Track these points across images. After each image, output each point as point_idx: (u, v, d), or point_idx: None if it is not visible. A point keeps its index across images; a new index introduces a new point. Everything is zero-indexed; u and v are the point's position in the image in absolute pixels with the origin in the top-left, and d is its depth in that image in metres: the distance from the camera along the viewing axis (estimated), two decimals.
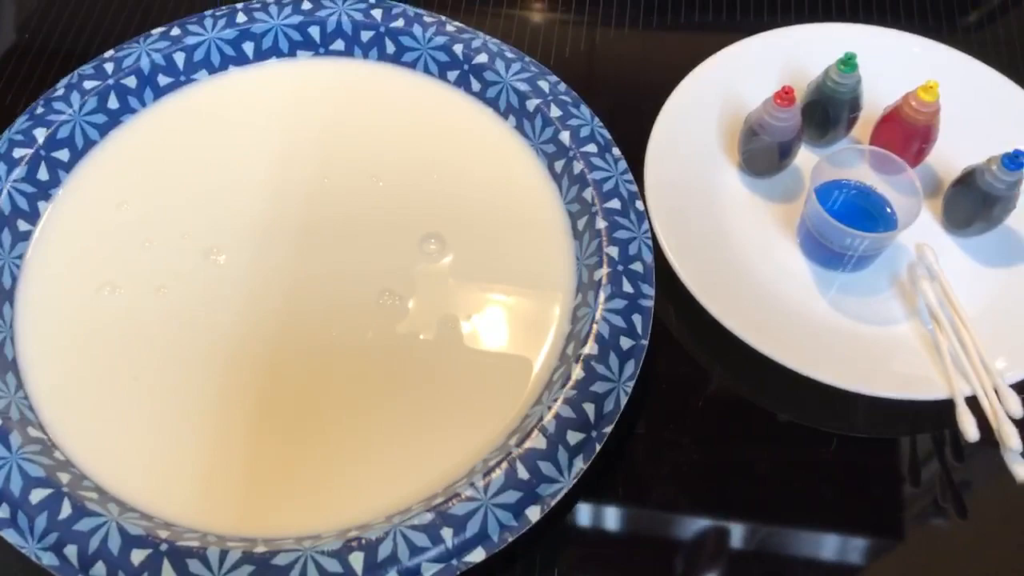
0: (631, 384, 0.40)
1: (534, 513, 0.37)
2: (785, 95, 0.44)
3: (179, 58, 0.49)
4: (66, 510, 0.36)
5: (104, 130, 0.48)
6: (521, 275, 0.44)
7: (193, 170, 0.47)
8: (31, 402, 0.40)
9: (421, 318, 0.43)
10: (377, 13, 0.50)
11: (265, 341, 0.42)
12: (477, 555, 0.36)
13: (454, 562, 0.36)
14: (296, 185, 0.47)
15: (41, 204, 0.45)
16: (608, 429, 0.39)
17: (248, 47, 0.50)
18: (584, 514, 0.41)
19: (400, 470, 0.39)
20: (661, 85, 0.50)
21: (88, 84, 0.47)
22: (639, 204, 0.45)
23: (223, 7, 0.50)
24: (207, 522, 0.38)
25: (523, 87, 0.48)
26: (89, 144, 0.47)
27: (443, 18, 0.50)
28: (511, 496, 0.37)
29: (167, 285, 0.43)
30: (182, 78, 0.49)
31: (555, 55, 0.54)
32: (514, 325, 0.43)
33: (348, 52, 0.51)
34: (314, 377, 0.42)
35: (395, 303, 0.43)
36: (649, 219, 0.44)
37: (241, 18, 0.50)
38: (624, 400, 0.40)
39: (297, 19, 0.50)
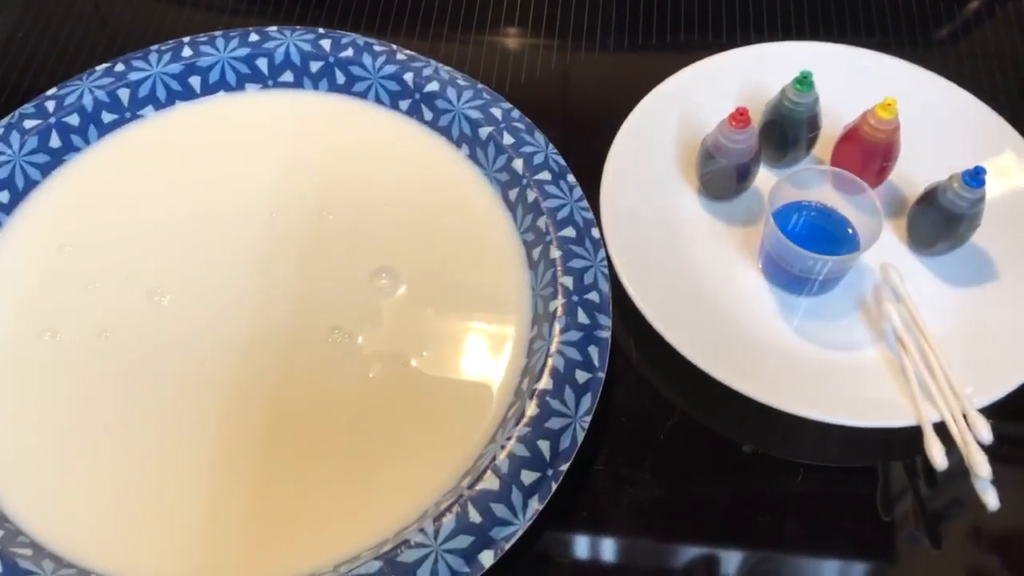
0: (588, 419, 0.39)
1: (487, 558, 0.35)
2: (740, 116, 0.43)
3: (123, 94, 0.48)
4: None
5: (46, 170, 0.46)
6: (476, 308, 0.43)
7: (138, 208, 0.46)
8: None
9: (372, 355, 0.42)
10: (326, 43, 0.49)
11: (214, 384, 0.41)
12: None
13: None
14: (244, 221, 0.46)
15: None
16: (564, 467, 0.38)
17: (195, 81, 0.49)
18: (542, 555, 0.39)
19: (351, 515, 0.38)
20: (618, 109, 0.49)
21: (28, 123, 0.46)
22: (595, 232, 0.44)
23: (168, 41, 0.49)
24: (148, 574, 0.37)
25: (475, 115, 0.47)
26: (31, 185, 0.46)
27: (393, 47, 0.50)
28: (462, 541, 0.35)
29: (110, 329, 0.42)
30: (127, 115, 0.48)
31: (510, 81, 0.53)
32: (469, 360, 0.42)
33: (297, 84, 0.50)
34: (263, 420, 0.40)
35: (345, 340, 0.42)
36: (605, 247, 0.43)
37: (187, 52, 0.49)
38: (581, 436, 0.38)
39: (244, 51, 0.49)
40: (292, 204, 0.46)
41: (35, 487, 0.39)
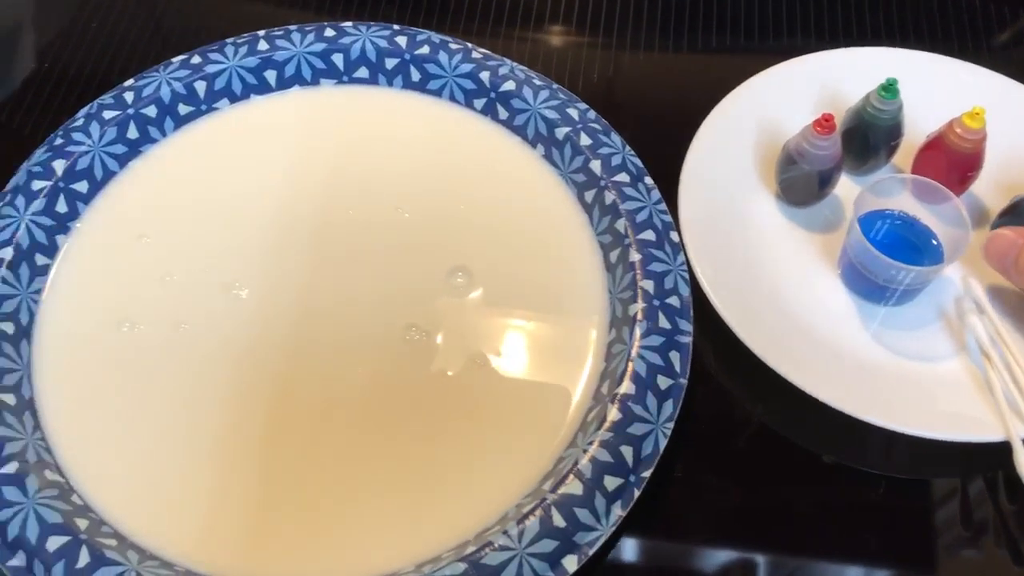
0: (670, 426, 0.38)
1: (571, 563, 0.35)
2: (825, 122, 0.43)
3: (200, 87, 0.48)
4: (84, 559, 0.35)
5: (124, 161, 0.47)
6: (552, 309, 0.43)
7: (214, 201, 0.46)
8: (48, 443, 0.39)
9: (449, 354, 0.42)
10: (402, 40, 0.49)
11: (290, 380, 0.41)
12: None
13: None
14: (320, 216, 0.46)
15: (59, 237, 0.44)
16: (647, 473, 0.37)
17: (270, 75, 0.49)
18: (617, 562, 0.39)
19: (428, 515, 0.38)
20: (692, 111, 0.48)
21: (108, 114, 0.46)
22: (674, 235, 0.43)
23: (244, 35, 0.49)
24: (229, 570, 0.37)
25: (552, 115, 0.47)
26: (108, 175, 0.46)
27: (469, 45, 0.49)
28: (546, 545, 0.35)
29: (187, 321, 0.42)
30: (203, 107, 0.48)
31: (583, 81, 0.53)
32: (546, 362, 0.41)
33: (372, 80, 0.50)
34: (340, 416, 0.40)
35: (422, 339, 0.42)
36: (684, 251, 0.43)
37: (262, 46, 0.49)
38: (663, 443, 0.38)
39: (320, 46, 0.49)
40: (367, 200, 0.46)
41: (114, 477, 0.39)
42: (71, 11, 0.57)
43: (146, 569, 0.35)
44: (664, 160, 0.47)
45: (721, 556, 0.39)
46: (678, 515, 0.40)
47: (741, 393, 0.43)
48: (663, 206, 0.44)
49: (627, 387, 0.38)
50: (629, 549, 0.39)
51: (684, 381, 0.39)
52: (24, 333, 0.41)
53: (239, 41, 0.49)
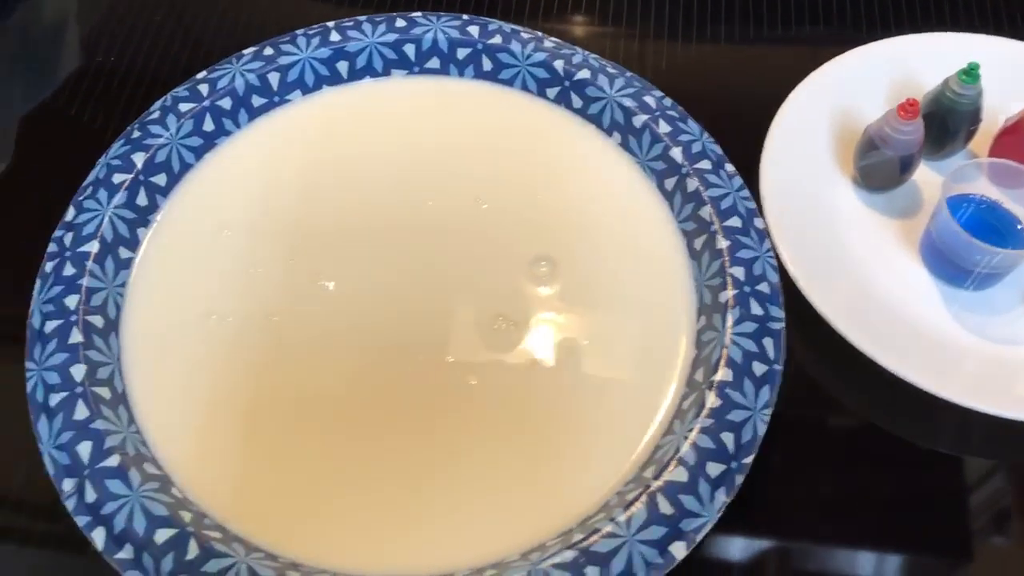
0: (768, 412, 0.38)
1: (679, 550, 0.35)
2: (909, 107, 0.43)
3: (273, 78, 0.48)
4: (193, 551, 0.35)
5: (199, 153, 0.46)
6: (638, 297, 0.43)
7: (292, 193, 0.46)
8: (143, 436, 0.39)
9: (538, 343, 0.42)
10: (473, 30, 0.49)
11: (380, 370, 0.41)
12: None
13: None
14: (398, 207, 0.45)
15: (140, 231, 0.44)
16: (748, 460, 0.37)
17: (342, 66, 0.49)
18: (710, 551, 0.39)
19: (526, 504, 0.38)
20: (762, 100, 0.48)
21: (184, 106, 0.46)
22: (758, 222, 0.43)
23: (314, 26, 0.49)
24: (333, 561, 0.37)
25: (629, 103, 0.46)
26: (185, 168, 0.46)
27: (540, 34, 0.49)
28: (655, 532, 0.35)
29: (277, 312, 0.42)
30: (276, 99, 0.48)
31: (652, 69, 0.52)
32: (635, 349, 0.41)
33: (443, 71, 0.49)
34: (434, 406, 0.40)
35: (509, 328, 0.42)
36: (770, 237, 0.43)
37: (334, 36, 0.48)
38: (762, 429, 0.38)
39: (392, 37, 0.49)
40: (444, 191, 0.46)
41: (208, 470, 0.39)
42: (112, 6, 0.57)
43: (253, 561, 0.35)
44: (738, 148, 0.47)
45: (812, 545, 0.39)
46: (767, 503, 0.40)
47: (828, 378, 0.43)
48: (746, 192, 0.44)
49: (724, 374, 0.38)
50: (719, 538, 0.39)
51: (779, 367, 0.39)
52: (112, 326, 0.41)
53: (310, 32, 0.49)
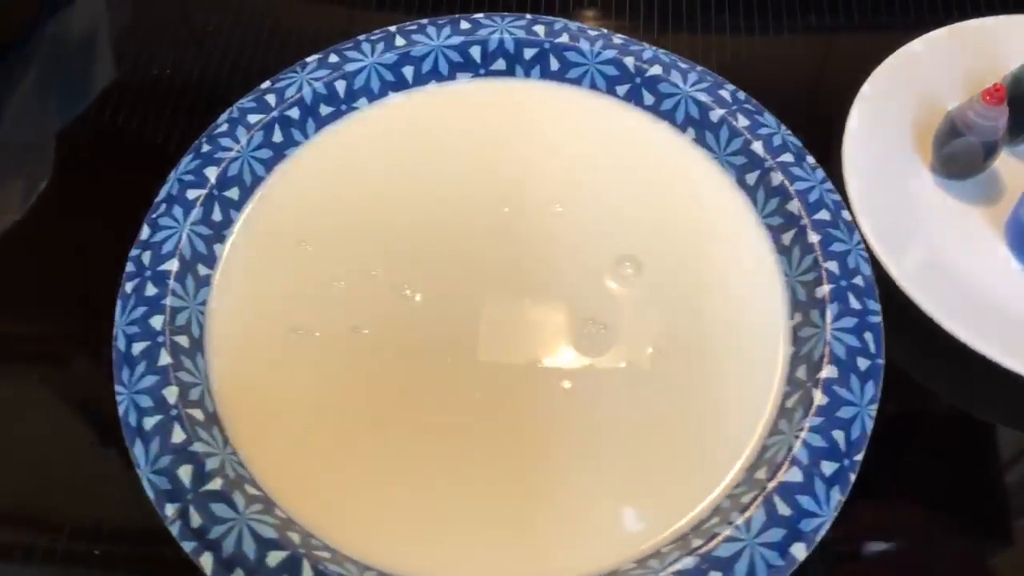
0: (874, 407, 0.38)
1: (799, 551, 0.35)
2: (995, 92, 0.42)
3: (340, 86, 0.47)
4: (307, 573, 0.34)
5: (269, 165, 0.46)
6: (726, 295, 0.42)
7: (366, 203, 0.45)
8: (239, 457, 0.38)
9: (630, 345, 0.41)
10: (540, 29, 0.48)
11: (475, 380, 0.40)
12: None
13: None
14: (475, 214, 0.45)
15: (216, 247, 0.43)
16: (859, 457, 0.37)
17: (408, 71, 0.48)
18: (831, 549, 0.38)
19: (633, 510, 0.37)
20: (834, 88, 0.48)
21: (252, 118, 0.45)
22: (845, 214, 0.43)
23: (376, 31, 0.48)
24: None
25: (704, 98, 0.46)
26: (256, 181, 0.45)
27: (606, 31, 0.48)
28: (775, 534, 0.35)
29: (364, 325, 0.41)
30: (343, 107, 0.47)
31: (717, 63, 0.52)
32: (730, 348, 0.41)
33: (509, 72, 0.49)
34: (527, 415, 0.39)
35: (600, 332, 0.41)
36: (859, 229, 0.42)
37: (399, 41, 0.48)
38: (870, 425, 0.37)
39: (458, 39, 0.48)
40: (519, 195, 0.45)
41: (307, 488, 0.38)
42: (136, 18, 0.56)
43: None
44: (811, 140, 0.46)
45: (917, 544, 0.39)
46: (879, 497, 0.39)
47: (925, 370, 0.42)
48: (830, 184, 0.43)
49: (829, 371, 0.38)
50: (837, 536, 0.38)
51: (881, 361, 0.39)
52: (198, 346, 0.40)
53: (373, 38, 0.48)
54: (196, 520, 0.35)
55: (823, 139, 0.46)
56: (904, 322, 0.41)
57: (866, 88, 0.47)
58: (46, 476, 0.41)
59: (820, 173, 0.44)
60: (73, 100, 0.56)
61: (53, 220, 0.49)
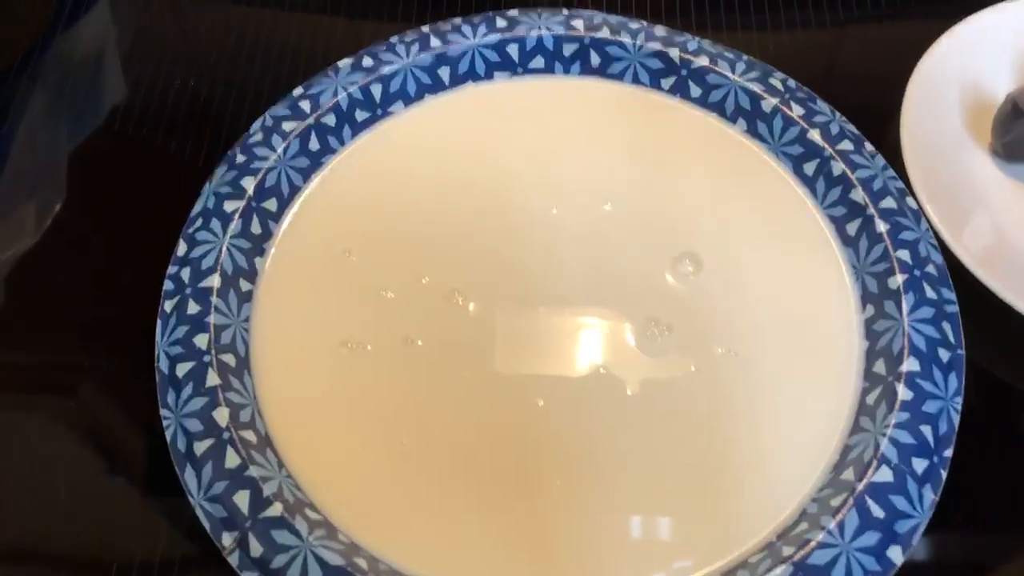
0: (959, 400, 0.36)
1: (896, 554, 0.33)
2: None
3: (376, 90, 0.45)
4: None
5: (306, 174, 0.44)
6: (792, 290, 0.41)
7: (408, 208, 0.43)
8: (296, 480, 0.36)
9: (695, 346, 0.39)
10: (578, 24, 0.46)
11: (535, 388, 0.38)
12: None
13: None
14: (523, 217, 0.43)
15: (257, 260, 0.41)
16: (949, 453, 0.35)
17: (444, 72, 0.46)
18: (923, 551, 0.36)
19: (712, 519, 0.35)
20: (883, 73, 0.46)
21: (287, 125, 0.43)
22: (910, 201, 0.41)
23: (409, 32, 0.47)
24: None
25: (755, 87, 0.44)
26: (294, 191, 0.43)
27: (646, 23, 0.47)
28: (870, 538, 0.33)
29: (417, 336, 0.39)
30: (379, 112, 0.46)
31: (759, 54, 0.50)
32: (800, 345, 0.39)
33: (548, 69, 0.47)
34: (596, 424, 0.38)
35: (663, 333, 0.39)
36: (926, 217, 0.41)
37: (434, 42, 0.46)
38: (956, 419, 0.36)
39: (495, 38, 0.46)
40: (566, 195, 0.44)
41: (367, 510, 0.36)
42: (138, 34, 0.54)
43: None
44: (864, 127, 0.44)
45: (1005, 543, 0.37)
46: (967, 495, 0.37)
47: (1003, 362, 0.41)
48: (892, 172, 0.42)
49: (911, 363, 0.36)
50: (929, 537, 0.37)
51: (962, 352, 0.37)
52: (244, 364, 0.39)
53: (407, 39, 0.46)
54: (257, 549, 0.33)
55: (874, 127, 0.44)
56: (978, 311, 0.39)
57: (918, 74, 0.45)
58: (87, 512, 0.39)
59: (880, 160, 0.42)
60: (84, 119, 0.54)
61: (71, 243, 0.46)
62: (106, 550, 0.38)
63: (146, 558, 0.37)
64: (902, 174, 0.42)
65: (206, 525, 0.34)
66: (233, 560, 0.33)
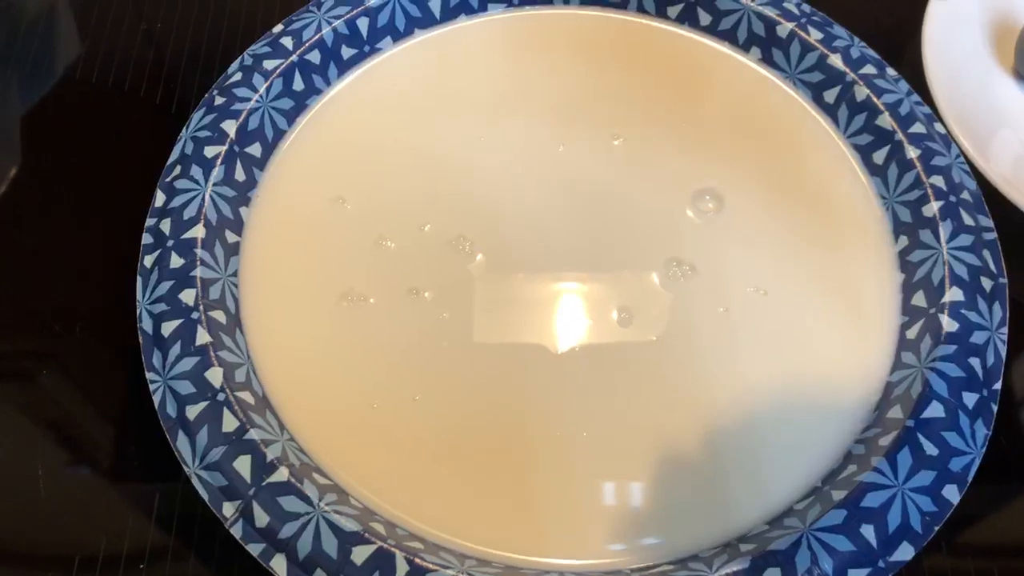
0: (1004, 331, 0.34)
1: (952, 494, 0.31)
2: None
3: (363, 24, 0.42)
4: (402, 569, 0.29)
5: (291, 117, 0.40)
6: (817, 223, 0.38)
7: (402, 151, 0.40)
8: (299, 443, 0.33)
9: (721, 287, 0.37)
10: None
11: (555, 337, 0.35)
12: (904, 552, 0.30)
13: (880, 564, 0.29)
14: (527, 157, 0.40)
15: (243, 210, 0.38)
16: (998, 386, 0.33)
17: (434, 5, 0.43)
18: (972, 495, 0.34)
19: (749, 467, 0.33)
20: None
21: (269, 64, 0.40)
22: (938, 126, 0.39)
23: None
24: (538, 556, 0.32)
25: (769, 12, 0.42)
26: (278, 135, 0.40)
27: None
28: (925, 477, 0.31)
29: (423, 287, 0.36)
30: (366, 48, 0.42)
31: None
32: (832, 283, 0.37)
33: (546, 0, 0.44)
34: (614, 373, 0.35)
35: (686, 273, 0.37)
36: (956, 142, 0.38)
37: None
38: (1003, 350, 0.34)
39: None
40: (573, 131, 0.41)
41: (379, 473, 0.33)
42: None
43: (473, 570, 0.30)
44: (882, 51, 0.42)
45: None
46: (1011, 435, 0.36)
47: None
48: (917, 96, 0.40)
49: (953, 294, 0.34)
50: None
51: (1004, 280, 0.35)
52: (235, 321, 0.35)
53: None
54: (263, 518, 0.30)
55: (892, 50, 0.42)
56: (1016, 239, 0.37)
57: None
58: (63, 501, 0.35)
59: (904, 85, 0.40)
60: (36, 80, 0.50)
61: (30, 206, 0.43)
62: (92, 529, 0.34)
63: (138, 536, 0.34)
64: (926, 99, 0.40)
65: (204, 495, 0.31)
66: (236, 531, 0.30)
